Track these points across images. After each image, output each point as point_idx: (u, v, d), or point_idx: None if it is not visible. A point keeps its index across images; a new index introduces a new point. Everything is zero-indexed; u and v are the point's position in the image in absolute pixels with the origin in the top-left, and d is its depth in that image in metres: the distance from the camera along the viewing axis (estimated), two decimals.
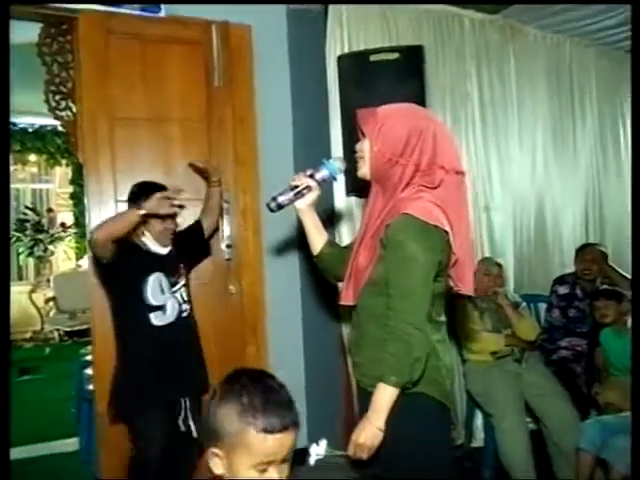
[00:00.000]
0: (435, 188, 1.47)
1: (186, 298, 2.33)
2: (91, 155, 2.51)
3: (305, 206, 1.65)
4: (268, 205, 1.61)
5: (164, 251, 2.32)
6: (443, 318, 1.56)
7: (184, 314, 2.30)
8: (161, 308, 2.21)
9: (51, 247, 6.80)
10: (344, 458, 1.43)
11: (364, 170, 1.56)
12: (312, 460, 1.34)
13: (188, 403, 2.25)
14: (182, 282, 2.33)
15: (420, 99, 2.73)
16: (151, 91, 2.61)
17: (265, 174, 2.91)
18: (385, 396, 1.38)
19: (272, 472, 0.98)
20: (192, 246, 2.47)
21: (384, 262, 1.46)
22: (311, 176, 1.63)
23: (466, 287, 1.54)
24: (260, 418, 0.97)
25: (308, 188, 1.62)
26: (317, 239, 1.71)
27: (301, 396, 3.01)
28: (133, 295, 2.18)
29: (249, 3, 2.85)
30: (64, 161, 6.87)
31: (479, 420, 3.24)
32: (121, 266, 2.15)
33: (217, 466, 1.01)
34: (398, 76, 2.75)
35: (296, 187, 1.62)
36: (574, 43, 4.03)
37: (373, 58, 2.79)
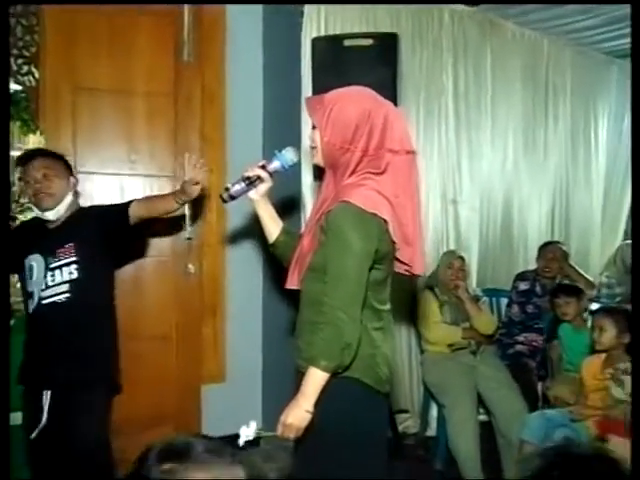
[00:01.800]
0: (382, 173, 1.47)
1: (58, 281, 2.02)
2: (52, 123, 2.48)
3: (258, 196, 1.67)
4: (221, 196, 1.64)
5: (51, 223, 2.09)
6: (386, 306, 1.57)
7: (44, 301, 2.01)
8: (31, 295, 2.05)
9: (21, 217, 6.67)
10: (272, 439, 1.43)
11: (317, 158, 1.57)
12: (241, 442, 1.34)
13: (49, 397, 2.02)
14: (60, 262, 2.03)
15: (392, 87, 2.72)
16: (117, 62, 2.57)
17: (233, 154, 2.88)
18: (315, 379, 1.40)
19: None
20: (108, 228, 2.09)
21: (323, 249, 1.47)
22: (263, 167, 1.65)
23: (416, 269, 1.56)
24: None
25: (260, 179, 1.64)
26: (272, 228, 1.72)
27: (257, 380, 3.02)
28: (21, 280, 2.13)
29: (234, 3, 2.80)
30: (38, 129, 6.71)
31: (435, 410, 3.29)
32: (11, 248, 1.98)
33: None
34: (371, 62, 2.72)
35: (248, 178, 1.64)
36: (552, 42, 4.04)
37: (347, 43, 2.76)
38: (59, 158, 2.12)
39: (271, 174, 1.66)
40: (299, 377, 1.50)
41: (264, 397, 3.03)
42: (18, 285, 2.65)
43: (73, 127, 2.49)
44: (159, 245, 2.65)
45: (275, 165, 1.65)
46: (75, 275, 2.02)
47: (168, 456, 0.69)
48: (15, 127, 7.45)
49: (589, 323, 2.79)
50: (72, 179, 2.13)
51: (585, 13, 3.63)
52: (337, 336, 1.38)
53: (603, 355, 2.44)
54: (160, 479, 0.67)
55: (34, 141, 7.74)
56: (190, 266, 2.71)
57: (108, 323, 2.16)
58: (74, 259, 2.03)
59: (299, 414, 1.41)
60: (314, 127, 1.56)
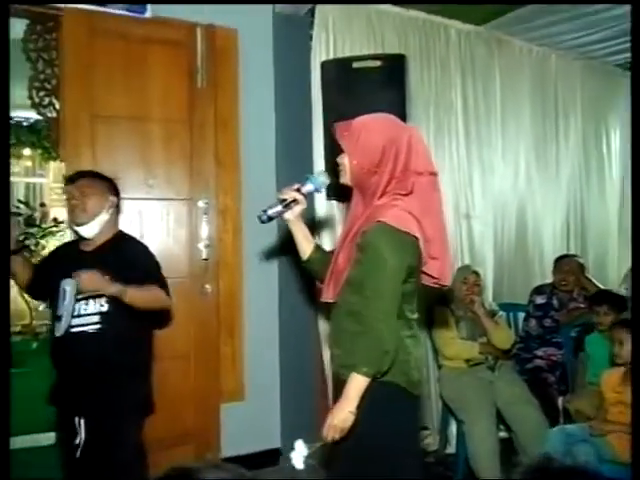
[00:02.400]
0: (409, 194, 1.60)
1: (90, 311, 2.01)
2: (72, 151, 2.55)
3: (293, 217, 1.79)
4: (259, 217, 1.73)
5: (87, 245, 2.10)
6: (415, 315, 1.69)
7: (74, 329, 2.00)
8: (59, 318, 2.04)
9: (43, 241, 6.81)
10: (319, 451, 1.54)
11: (345, 179, 1.70)
12: (300, 464, 1.48)
13: (83, 424, 2.02)
14: (92, 293, 1.99)
15: (401, 107, 2.78)
16: (133, 90, 2.65)
17: (246, 176, 2.95)
18: (357, 384, 1.54)
19: None
20: (136, 278, 2.01)
21: (359, 265, 1.59)
22: (298, 190, 1.76)
23: (442, 280, 1.68)
24: None
25: (295, 201, 1.75)
26: (305, 246, 1.85)
27: (276, 397, 3.04)
28: (51, 303, 2.13)
29: (238, 3, 2.88)
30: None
31: (454, 427, 3.27)
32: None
33: None
34: (380, 84, 2.79)
35: (284, 200, 1.74)
36: (560, 57, 4.08)
37: (356, 65, 2.83)
38: (102, 178, 2.15)
39: (305, 196, 1.76)
40: (337, 382, 1.69)
41: (282, 414, 3.04)
42: (41, 308, 2.66)
43: (93, 154, 2.56)
44: (176, 266, 2.70)
45: (309, 188, 1.76)
46: (105, 308, 2.01)
47: None
48: (37, 155, 7.59)
49: None
50: (112, 198, 2.13)
51: (593, 27, 3.65)
52: (377, 345, 1.53)
53: (623, 368, 2.42)
54: None
55: (54, 167, 7.89)
56: (207, 286, 2.75)
57: (140, 353, 2.16)
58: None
59: (343, 416, 1.55)
60: (342, 151, 1.68)
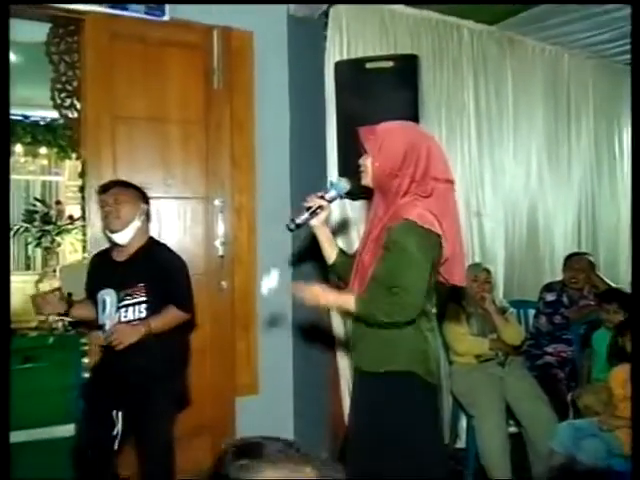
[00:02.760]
0: (428, 197, 1.68)
1: (130, 318, 2.17)
2: (93, 151, 2.62)
3: (319, 223, 1.87)
4: (288, 226, 1.82)
5: (121, 254, 2.25)
6: (433, 309, 1.79)
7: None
8: (102, 327, 2.22)
9: (58, 239, 6.93)
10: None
11: (367, 180, 1.79)
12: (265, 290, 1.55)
13: (120, 417, 2.18)
14: (132, 300, 2.17)
15: (413, 107, 2.82)
16: (152, 92, 2.72)
17: (261, 176, 3.01)
18: (344, 304, 1.72)
19: None
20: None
21: (385, 261, 1.68)
22: (322, 197, 1.83)
23: (456, 280, 1.76)
24: None
25: (320, 208, 1.82)
26: (330, 251, 1.95)
27: (289, 391, 3.10)
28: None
29: (253, 3, 2.93)
30: (74, 154, 6.99)
31: (464, 422, 3.32)
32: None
33: None
34: (393, 84, 2.84)
35: (310, 208, 1.81)
36: (573, 56, 4.09)
37: (369, 66, 2.88)
38: (133, 187, 2.28)
39: (329, 202, 1.84)
40: (355, 377, 1.82)
41: (295, 408, 3.11)
42: None
43: (113, 154, 2.63)
44: (193, 263, 2.75)
45: (332, 194, 1.83)
46: (144, 314, 2.17)
47: (243, 453, 0.74)
48: (52, 153, 7.69)
49: None
50: (143, 206, 2.27)
51: (605, 26, 3.66)
52: (401, 309, 1.64)
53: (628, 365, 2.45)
54: (236, 476, 0.72)
55: (70, 166, 7.99)
56: (223, 282, 2.82)
57: (176, 352, 2.31)
58: (144, 299, 2.18)
59: (315, 298, 1.72)
60: (364, 152, 1.77)
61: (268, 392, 3.01)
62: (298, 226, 1.80)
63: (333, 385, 3.12)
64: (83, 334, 4.82)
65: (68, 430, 3.53)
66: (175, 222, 2.80)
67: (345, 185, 1.85)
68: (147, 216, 2.30)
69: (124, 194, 2.22)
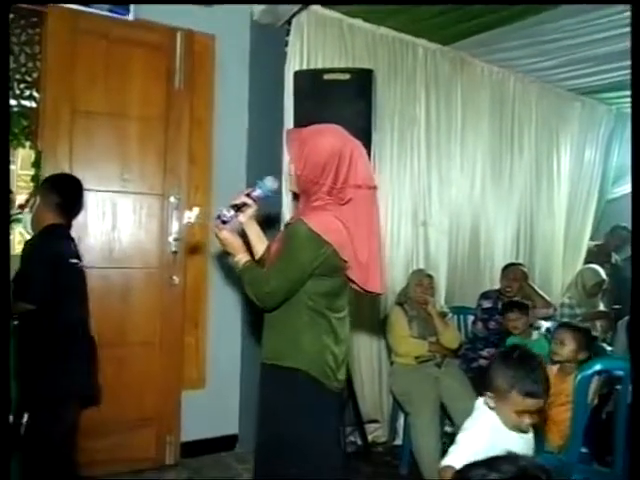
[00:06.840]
0: (344, 204, 1.71)
1: None
2: (50, 143, 2.65)
3: (246, 219, 1.91)
4: (215, 221, 1.86)
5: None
6: (339, 314, 1.77)
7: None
8: None
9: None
10: None
11: (292, 186, 1.84)
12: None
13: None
14: None
15: (367, 118, 2.96)
16: (113, 88, 2.77)
17: (218, 174, 3.09)
18: (238, 261, 1.75)
19: (527, 418, 1.54)
20: None
21: (277, 252, 1.74)
22: (248, 195, 1.90)
23: (371, 287, 1.78)
24: (524, 386, 1.51)
25: (246, 205, 1.88)
26: (258, 247, 1.98)
27: (235, 386, 3.19)
28: None
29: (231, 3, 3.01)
30: (27, 143, 6.83)
31: (402, 420, 3.48)
32: None
33: (491, 402, 1.60)
34: (348, 95, 2.96)
35: (235, 205, 1.87)
36: (518, 79, 4.35)
37: (326, 77, 3.00)
38: None
39: (255, 200, 1.89)
40: (262, 369, 1.79)
41: (241, 403, 3.20)
42: None
43: (70, 147, 2.67)
44: (147, 258, 2.83)
45: (257, 193, 1.88)
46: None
47: None
48: None
49: (533, 336, 3.10)
50: None
51: (548, 54, 3.91)
52: (256, 291, 1.69)
53: (556, 367, 2.65)
54: None
55: (23, 155, 7.81)
56: (175, 277, 2.89)
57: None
58: None
59: (222, 241, 1.78)
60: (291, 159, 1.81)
61: (215, 387, 3.09)
62: (224, 222, 1.84)
63: None
64: None
65: None
66: (130, 217, 2.86)
67: (271, 185, 1.89)
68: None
69: None
